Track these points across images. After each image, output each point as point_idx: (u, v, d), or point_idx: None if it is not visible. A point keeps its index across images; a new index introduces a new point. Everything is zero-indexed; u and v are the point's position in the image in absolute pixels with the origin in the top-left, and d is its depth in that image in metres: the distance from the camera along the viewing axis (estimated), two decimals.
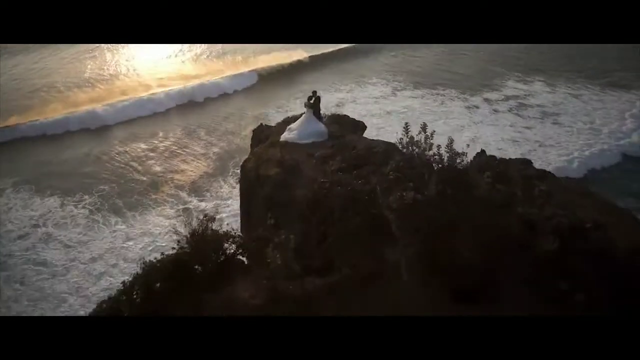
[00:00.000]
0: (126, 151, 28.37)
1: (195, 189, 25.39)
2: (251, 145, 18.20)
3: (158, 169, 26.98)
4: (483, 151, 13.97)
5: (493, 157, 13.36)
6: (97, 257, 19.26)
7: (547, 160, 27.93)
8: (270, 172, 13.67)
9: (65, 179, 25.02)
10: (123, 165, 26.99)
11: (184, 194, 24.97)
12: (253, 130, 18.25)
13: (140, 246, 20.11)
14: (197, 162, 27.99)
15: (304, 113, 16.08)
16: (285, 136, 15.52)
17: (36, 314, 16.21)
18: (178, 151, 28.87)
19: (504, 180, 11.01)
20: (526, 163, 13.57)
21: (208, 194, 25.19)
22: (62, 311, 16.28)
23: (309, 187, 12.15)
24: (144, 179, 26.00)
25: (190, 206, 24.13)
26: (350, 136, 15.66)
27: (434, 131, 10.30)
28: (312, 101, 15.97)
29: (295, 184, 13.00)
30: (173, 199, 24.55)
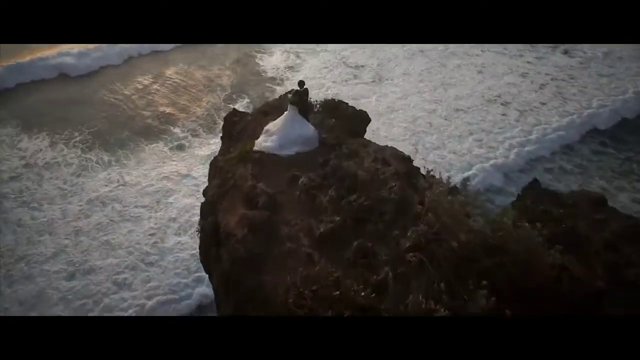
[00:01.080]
0: (117, 88, 27.64)
1: (188, 125, 25.31)
2: (222, 137, 15.16)
3: (149, 104, 26.54)
4: (536, 181, 11.01)
5: (553, 195, 9.66)
6: (94, 198, 19.50)
7: (563, 96, 27.67)
8: (232, 224, 9.58)
9: (52, 115, 24.59)
10: (113, 101, 26.46)
11: (176, 130, 24.88)
12: (224, 118, 15.51)
13: (137, 188, 20.40)
14: (189, 97, 27.61)
15: (286, 112, 12.44)
16: (262, 144, 12.13)
17: (37, 256, 16.89)
18: (170, 86, 28.23)
19: (575, 244, 7.40)
20: (600, 205, 9.61)
21: (201, 129, 25.16)
22: (64, 257, 16.85)
23: (287, 279, 7.80)
24: (135, 114, 25.67)
25: (185, 142, 24.21)
26: (350, 143, 12.00)
27: (480, 190, 7.89)
28: (296, 97, 12.32)
29: (266, 260, 8.72)
30: (166, 135, 24.51)
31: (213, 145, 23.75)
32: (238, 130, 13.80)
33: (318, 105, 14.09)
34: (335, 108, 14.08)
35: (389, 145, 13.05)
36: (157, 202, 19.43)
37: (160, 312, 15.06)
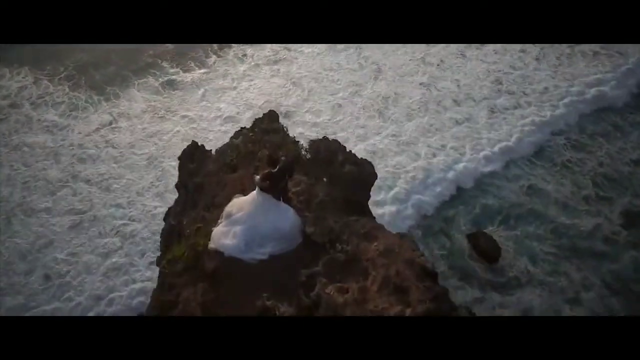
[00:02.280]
0: None
1: (177, 58, 24.65)
2: (176, 186, 12.93)
3: None
4: None
5: None
6: (87, 141, 19.39)
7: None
8: None
9: (32, 47, 23.48)
10: None
11: (165, 64, 24.27)
12: (179, 158, 13.25)
13: (131, 129, 20.16)
14: None
15: (255, 193, 9.18)
16: (220, 241, 8.95)
17: (35, 203, 17.09)
18: None
19: None
20: None
21: (192, 64, 24.57)
22: (64, 206, 16.98)
23: None
24: (119, 46, 24.95)
25: (176, 77, 23.71)
26: (345, 238, 8.76)
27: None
28: (267, 181, 8.91)
29: None
30: (155, 70, 23.96)
31: (205, 81, 23.35)
32: (194, 185, 10.93)
33: (304, 151, 11.30)
34: (329, 161, 10.85)
35: (405, 235, 10.19)
36: (154, 144, 19.48)
37: None
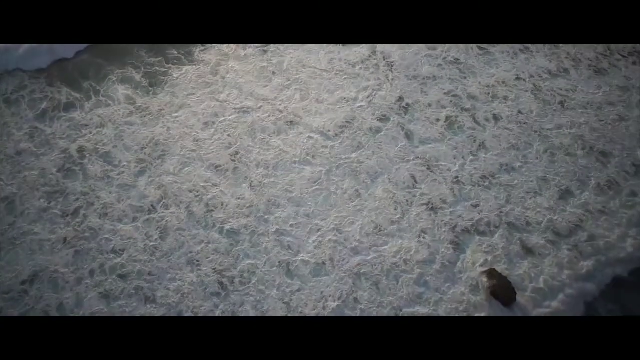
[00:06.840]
0: None
1: (156, 47, 23.81)
2: None
3: None
4: None
5: None
6: (74, 151, 19.50)
7: None
8: None
9: None
10: None
11: (142, 52, 23.38)
12: None
13: (120, 137, 20.25)
14: None
15: None
16: None
17: (22, 224, 17.36)
18: None
19: None
20: None
21: (175, 51, 24.21)
22: (58, 234, 17.31)
23: None
24: None
25: (159, 69, 23.42)
26: None
27: None
28: None
29: None
30: (132, 60, 23.27)
31: (192, 76, 22.82)
32: None
33: None
34: None
35: None
36: (149, 156, 19.67)
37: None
